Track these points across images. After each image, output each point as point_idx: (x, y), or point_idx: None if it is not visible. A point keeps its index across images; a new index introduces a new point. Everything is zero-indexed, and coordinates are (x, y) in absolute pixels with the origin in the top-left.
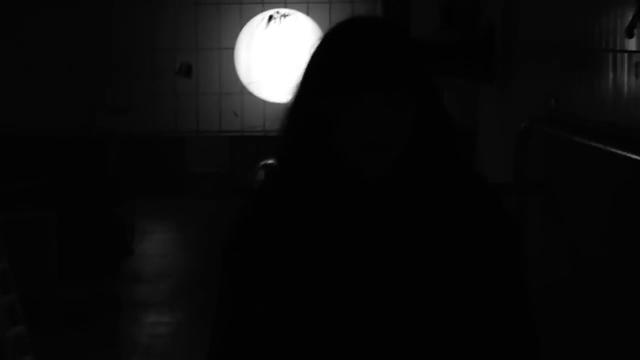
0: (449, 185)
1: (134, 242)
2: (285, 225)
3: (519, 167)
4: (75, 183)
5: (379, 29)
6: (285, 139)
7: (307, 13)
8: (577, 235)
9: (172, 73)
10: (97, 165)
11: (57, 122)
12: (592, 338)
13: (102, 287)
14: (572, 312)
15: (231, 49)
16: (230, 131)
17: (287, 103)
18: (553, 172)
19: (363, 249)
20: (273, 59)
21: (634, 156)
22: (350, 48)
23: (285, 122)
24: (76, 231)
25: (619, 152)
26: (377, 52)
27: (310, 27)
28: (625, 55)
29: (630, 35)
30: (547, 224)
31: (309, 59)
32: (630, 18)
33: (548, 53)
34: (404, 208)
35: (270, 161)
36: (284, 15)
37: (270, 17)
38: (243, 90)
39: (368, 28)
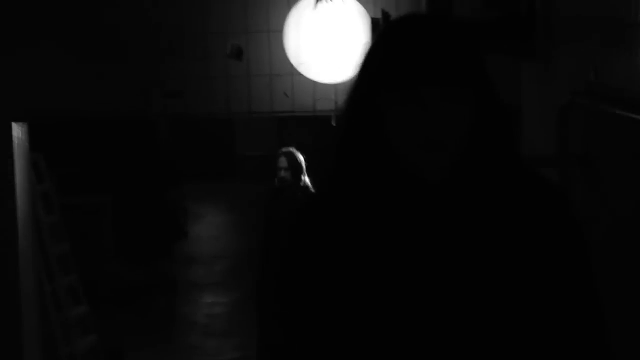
0: (512, 186)
1: (187, 225)
2: (344, 232)
3: (561, 140)
4: (129, 167)
5: (437, 25)
6: (342, 139)
7: None
8: (618, 205)
9: (223, 56)
10: (151, 149)
11: (112, 106)
12: (633, 313)
13: (157, 269)
14: (613, 282)
15: (280, 31)
16: (281, 112)
17: (343, 101)
18: (594, 144)
19: (425, 254)
20: (321, 40)
21: None
22: (407, 43)
23: (341, 121)
24: (131, 214)
25: None
26: (435, 48)
27: (357, 8)
28: None
29: None
30: (588, 195)
31: (366, 55)
32: None
33: (587, 27)
34: (465, 211)
35: (290, 149)
36: None
37: (318, 0)
38: (293, 72)
39: (426, 24)
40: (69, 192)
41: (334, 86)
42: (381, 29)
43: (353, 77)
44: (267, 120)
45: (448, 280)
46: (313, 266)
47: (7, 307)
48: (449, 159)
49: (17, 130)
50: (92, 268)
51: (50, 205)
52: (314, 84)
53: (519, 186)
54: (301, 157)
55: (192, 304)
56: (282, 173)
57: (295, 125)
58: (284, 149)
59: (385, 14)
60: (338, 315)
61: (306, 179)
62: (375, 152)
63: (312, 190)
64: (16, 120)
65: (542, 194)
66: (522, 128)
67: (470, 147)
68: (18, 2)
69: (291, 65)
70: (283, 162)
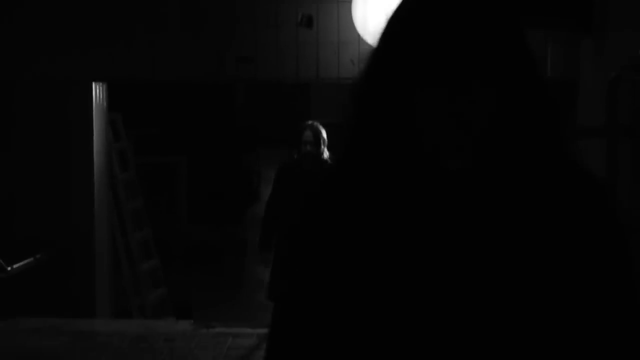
0: (543, 179)
1: (259, 189)
2: (361, 228)
3: (609, 112)
4: (205, 130)
5: (474, 5)
6: (357, 126)
7: None
8: None
9: (294, 24)
10: (227, 114)
11: (187, 70)
12: None
13: (228, 230)
14: None
15: (349, 1)
16: (348, 78)
17: (357, 81)
18: None
19: (443, 250)
20: (387, 10)
21: None
22: (437, 33)
23: (355, 106)
24: (205, 176)
25: None
26: (469, 40)
27: None
28: None
29: None
30: (635, 166)
31: (384, 36)
32: None
33: (638, 9)
34: (488, 204)
35: (314, 122)
36: None
37: None
38: (360, 40)
39: (456, 5)
40: (145, 152)
41: None
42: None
43: (373, 52)
44: (340, 87)
45: (466, 280)
46: (329, 264)
47: (82, 258)
48: (473, 144)
49: (97, 90)
50: (165, 227)
51: (126, 163)
52: None
53: (553, 179)
54: (324, 131)
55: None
56: (308, 147)
57: None
58: (309, 122)
59: None
60: (357, 314)
61: (326, 151)
62: (394, 140)
63: (331, 163)
64: (96, 80)
65: (580, 188)
66: (578, 100)
67: (499, 135)
68: None
69: (358, 34)
70: (308, 135)
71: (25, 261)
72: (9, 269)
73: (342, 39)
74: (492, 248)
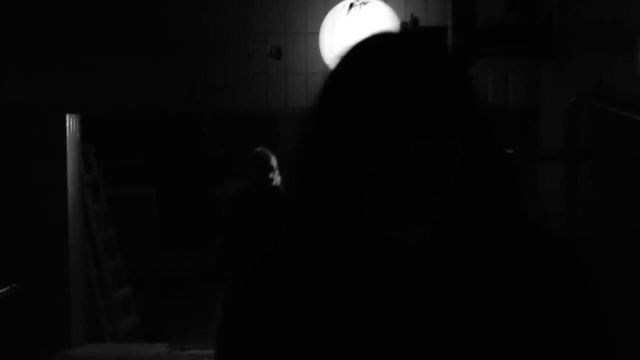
0: (508, 247)
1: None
2: (304, 297)
3: (568, 137)
4: (174, 160)
5: (415, 51)
6: (301, 186)
7: (385, 1)
8: (621, 200)
9: (263, 55)
10: (195, 144)
11: (159, 99)
12: (633, 308)
13: (198, 260)
14: (612, 276)
15: (316, 33)
16: None
17: (302, 132)
18: (599, 142)
19: (399, 325)
20: (354, 42)
21: None
22: (381, 81)
23: (300, 161)
24: (174, 206)
25: None
26: (417, 87)
27: (388, 14)
28: None
29: None
30: (593, 190)
31: (328, 82)
32: None
33: (598, 35)
34: (447, 277)
35: (261, 148)
36: (364, 3)
37: (351, 5)
38: (327, 71)
39: (401, 51)
40: (115, 183)
41: None
42: (352, 48)
43: (315, 104)
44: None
45: (421, 351)
46: (271, 326)
47: (56, 286)
48: (431, 210)
49: (70, 122)
50: (136, 256)
51: (98, 194)
52: None
53: (518, 245)
54: (273, 157)
55: None
56: (257, 176)
57: None
58: (257, 149)
59: (414, 19)
60: None
61: (277, 178)
62: (339, 199)
63: (282, 190)
64: (70, 112)
65: (548, 254)
66: (539, 126)
67: (457, 199)
68: (73, 2)
69: (326, 64)
70: (256, 163)
71: (2, 290)
72: None
73: (310, 70)
74: (446, 321)
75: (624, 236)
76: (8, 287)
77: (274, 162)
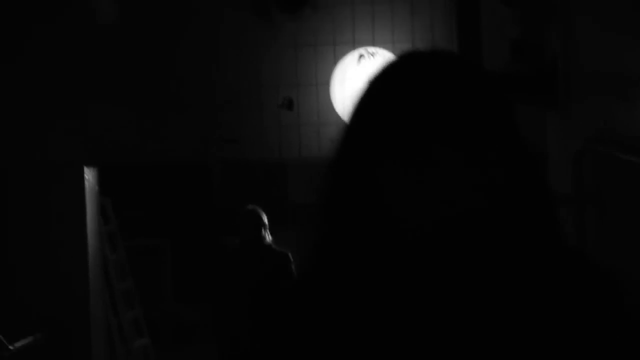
0: (546, 268)
1: None
2: (342, 321)
3: (575, 181)
4: (185, 212)
5: (450, 65)
6: (331, 216)
7: (393, 51)
8: (626, 242)
9: (275, 106)
10: (204, 195)
11: (174, 152)
12: None
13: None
14: None
15: (327, 84)
16: (328, 157)
17: (330, 166)
18: (604, 186)
19: (432, 336)
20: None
21: None
22: (416, 93)
23: (329, 191)
24: (188, 257)
25: None
26: (455, 98)
27: None
28: None
29: None
30: (600, 232)
31: (358, 109)
32: None
33: (601, 83)
34: (480, 298)
35: (253, 206)
36: (373, 54)
37: (361, 56)
38: (339, 121)
39: (437, 66)
40: (131, 235)
41: None
42: (380, 71)
43: (343, 135)
44: (318, 168)
45: None
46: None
47: (78, 336)
48: (467, 236)
49: (89, 174)
50: (152, 306)
51: (115, 245)
52: None
53: (555, 269)
54: (264, 215)
55: None
56: (249, 234)
57: None
58: (248, 207)
59: None
60: None
61: (268, 236)
62: (374, 236)
63: (274, 247)
64: (88, 165)
65: (589, 280)
66: (548, 171)
67: (494, 221)
68: (88, 59)
69: (337, 114)
70: (248, 221)
71: (26, 340)
72: (11, 347)
73: (322, 120)
74: (488, 342)
75: (626, 277)
76: (31, 338)
77: (264, 219)
